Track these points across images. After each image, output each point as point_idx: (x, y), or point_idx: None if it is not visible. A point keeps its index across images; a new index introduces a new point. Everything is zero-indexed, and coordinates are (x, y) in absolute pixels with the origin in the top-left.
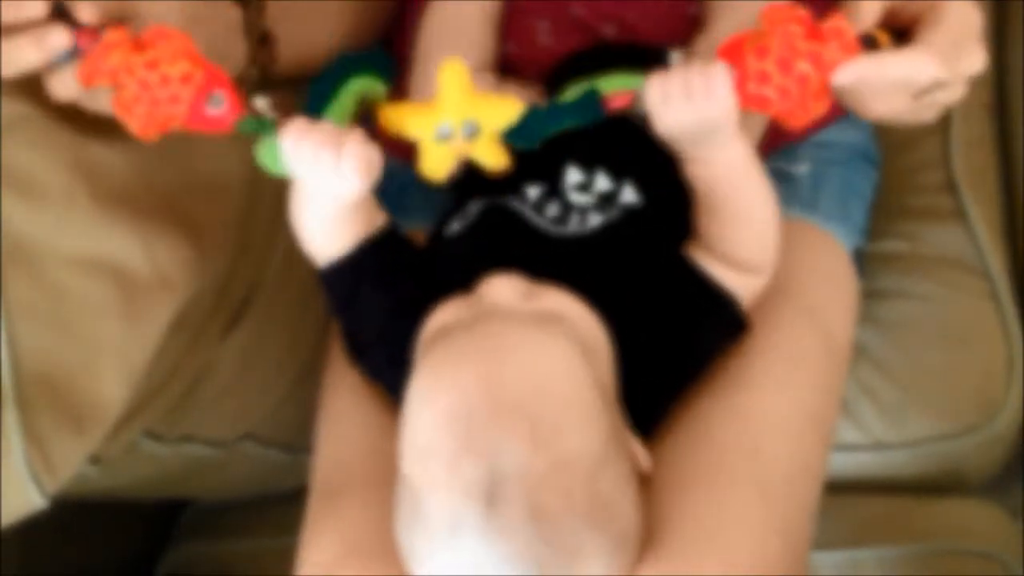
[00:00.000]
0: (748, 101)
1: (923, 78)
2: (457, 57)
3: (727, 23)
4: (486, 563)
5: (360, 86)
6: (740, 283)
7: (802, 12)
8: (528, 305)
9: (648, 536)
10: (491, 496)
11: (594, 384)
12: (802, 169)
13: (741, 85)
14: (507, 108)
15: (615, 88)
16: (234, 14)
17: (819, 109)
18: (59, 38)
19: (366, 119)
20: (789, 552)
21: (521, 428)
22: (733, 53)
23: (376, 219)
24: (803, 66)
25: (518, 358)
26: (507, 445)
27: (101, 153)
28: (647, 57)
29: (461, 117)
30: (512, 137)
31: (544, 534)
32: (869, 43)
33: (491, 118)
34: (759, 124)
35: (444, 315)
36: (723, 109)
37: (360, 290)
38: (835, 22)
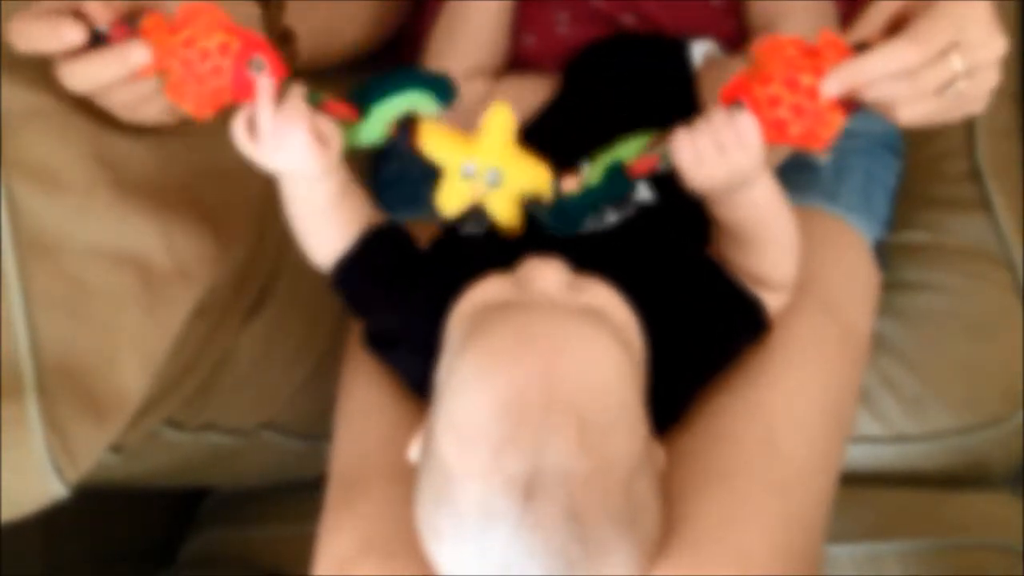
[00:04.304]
0: (766, 130)
1: (907, 64)
2: (507, 106)
3: (795, 25)
4: (515, 556)
5: (414, 98)
6: (766, 298)
7: (793, 38)
8: (575, 298)
9: (665, 533)
10: (530, 491)
11: (639, 388)
12: (823, 159)
13: (755, 115)
14: (535, 173)
15: (634, 153)
16: (254, 12)
17: (838, 121)
18: (140, 52)
19: (405, 127)
20: (805, 547)
21: (571, 428)
22: (739, 90)
23: (370, 216)
24: (808, 79)
25: (575, 356)
26: (554, 443)
27: (120, 144)
28: (668, 48)
29: (489, 163)
30: (552, 225)
31: (577, 533)
32: (862, 49)
33: (517, 174)
34: (781, 150)
35: (486, 292)
36: (755, 156)
37: (369, 285)
38: (826, 36)
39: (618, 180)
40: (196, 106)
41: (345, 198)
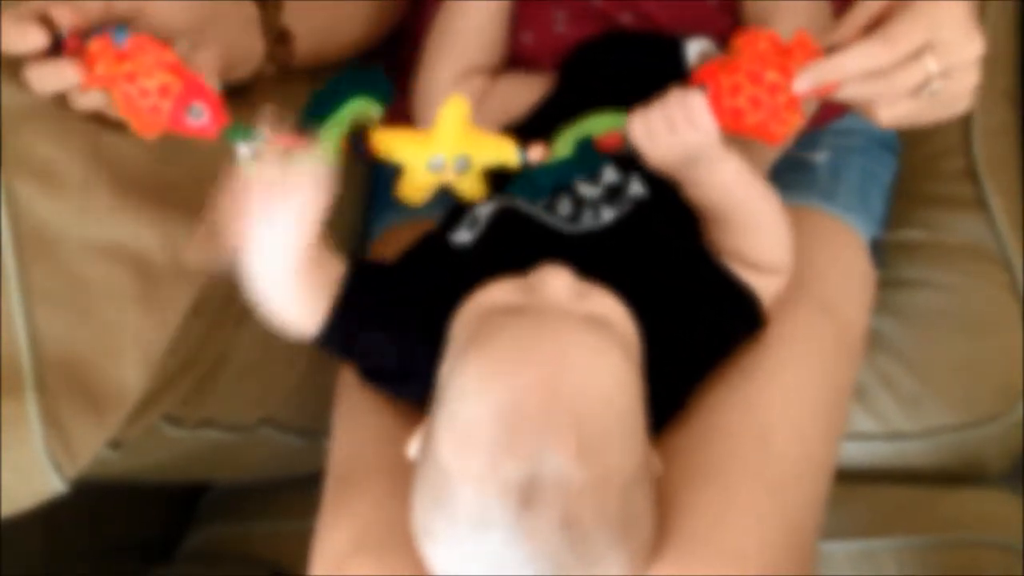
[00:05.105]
0: (723, 116)
1: (875, 64)
2: (460, 96)
3: (789, 24)
4: (508, 559)
5: (357, 108)
6: (759, 283)
7: (770, 33)
8: (581, 306)
9: (659, 531)
10: (526, 498)
11: (639, 397)
12: (820, 157)
13: (716, 100)
14: (500, 148)
15: (602, 128)
16: (251, 12)
17: (794, 120)
18: (71, 72)
19: (358, 139)
20: (799, 544)
21: (569, 439)
22: (707, 76)
23: (336, 270)
24: (771, 75)
25: (578, 365)
26: (552, 454)
27: (118, 142)
28: (663, 46)
29: (456, 152)
30: (518, 190)
31: (572, 542)
32: (833, 50)
33: (483, 156)
34: (770, 155)
35: (495, 295)
36: (705, 133)
37: (360, 336)
38: (799, 36)
39: (588, 153)
40: (139, 128)
41: (314, 259)
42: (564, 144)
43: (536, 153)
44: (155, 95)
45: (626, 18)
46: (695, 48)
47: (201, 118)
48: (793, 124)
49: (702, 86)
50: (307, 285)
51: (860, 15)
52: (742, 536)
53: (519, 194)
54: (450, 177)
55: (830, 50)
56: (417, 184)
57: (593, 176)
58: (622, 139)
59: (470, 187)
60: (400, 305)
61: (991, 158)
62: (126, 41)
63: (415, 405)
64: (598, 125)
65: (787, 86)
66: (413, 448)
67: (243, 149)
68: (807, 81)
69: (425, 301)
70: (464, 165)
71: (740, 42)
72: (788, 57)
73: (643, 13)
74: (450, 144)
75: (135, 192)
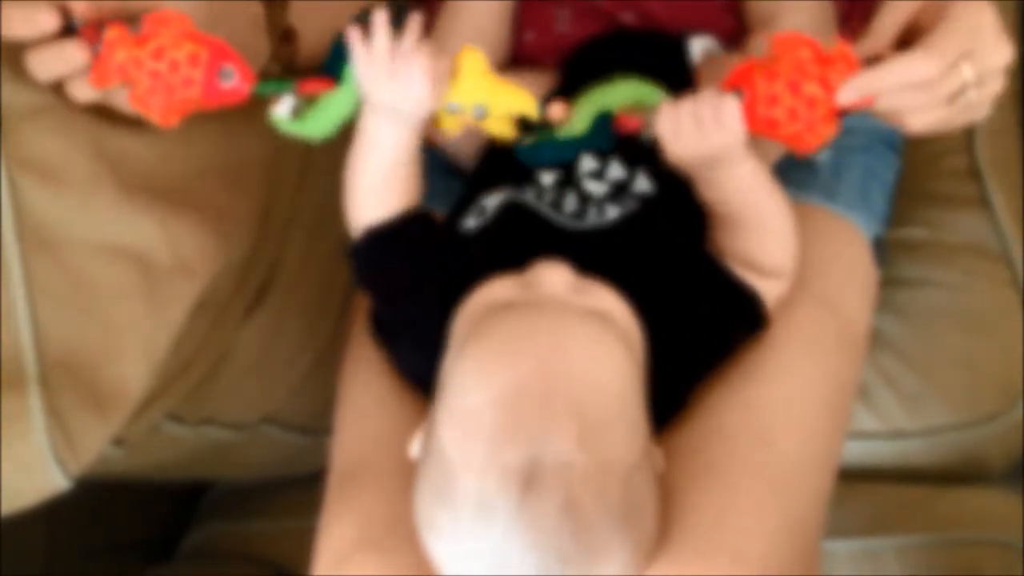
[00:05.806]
0: (757, 124)
1: (925, 76)
2: (474, 47)
3: (794, 23)
4: (510, 551)
5: None
6: (761, 286)
7: (810, 39)
8: (580, 300)
9: (662, 530)
10: (527, 484)
11: (640, 390)
12: (822, 155)
13: (751, 108)
14: (519, 101)
15: (627, 98)
16: (257, 11)
17: (827, 132)
18: (77, 54)
19: None
20: (802, 543)
21: (570, 426)
22: (744, 78)
23: (416, 197)
24: (811, 88)
25: (578, 354)
26: (553, 439)
27: (123, 140)
28: (666, 45)
29: (471, 102)
30: (525, 158)
31: (574, 530)
32: (873, 62)
33: (502, 106)
34: (775, 149)
35: (495, 291)
36: (733, 137)
37: (389, 263)
38: (840, 47)
39: (603, 131)
40: (162, 115)
41: (412, 166)
42: (585, 108)
43: (556, 110)
44: (186, 66)
45: (628, 17)
46: (699, 46)
47: (232, 80)
48: (827, 136)
49: (738, 91)
50: (395, 182)
51: (889, 21)
52: (743, 536)
53: (523, 155)
54: (470, 121)
55: (869, 61)
56: (447, 121)
57: (599, 172)
58: (643, 126)
59: (497, 129)
60: (432, 265)
61: (993, 157)
62: (141, 24)
63: (414, 391)
64: (624, 93)
65: (826, 99)
66: (415, 448)
67: (281, 107)
68: (851, 94)
69: (443, 274)
70: (482, 113)
71: (779, 48)
72: (828, 68)
73: (645, 12)
74: (465, 94)
75: (139, 190)
